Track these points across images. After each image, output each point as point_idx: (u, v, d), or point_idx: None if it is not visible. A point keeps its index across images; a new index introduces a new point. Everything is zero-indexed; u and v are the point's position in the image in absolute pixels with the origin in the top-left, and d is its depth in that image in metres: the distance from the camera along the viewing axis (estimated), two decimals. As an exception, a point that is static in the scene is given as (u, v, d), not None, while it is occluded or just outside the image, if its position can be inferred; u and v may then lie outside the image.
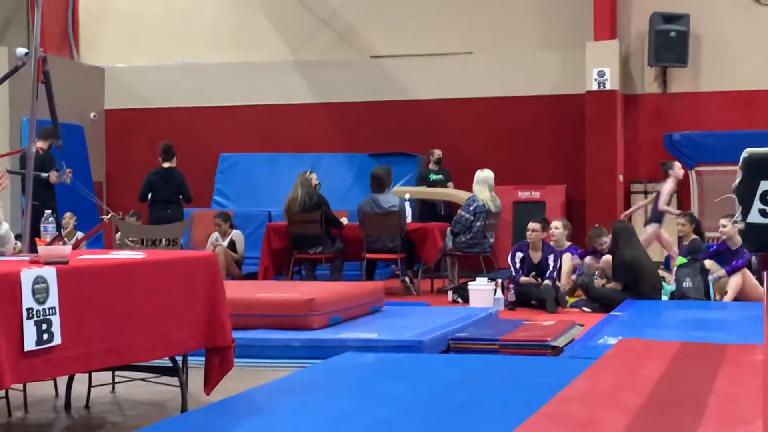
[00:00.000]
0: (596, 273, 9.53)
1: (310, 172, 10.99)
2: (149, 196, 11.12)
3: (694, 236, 9.92)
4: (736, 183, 2.24)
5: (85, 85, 14.69)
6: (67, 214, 11.37)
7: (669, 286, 9.33)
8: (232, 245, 11.47)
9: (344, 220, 11.00)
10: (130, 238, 9.33)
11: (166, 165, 11.09)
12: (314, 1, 14.62)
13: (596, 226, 10.43)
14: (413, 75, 14.22)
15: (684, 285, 9.08)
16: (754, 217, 2.10)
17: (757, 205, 2.07)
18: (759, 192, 2.07)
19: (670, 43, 12.94)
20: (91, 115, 14.84)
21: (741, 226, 2.22)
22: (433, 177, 13.23)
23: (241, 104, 14.75)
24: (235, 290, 6.80)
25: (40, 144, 9.98)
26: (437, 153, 13.31)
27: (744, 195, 2.18)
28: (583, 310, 9.04)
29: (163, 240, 9.41)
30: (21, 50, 10.40)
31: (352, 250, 10.74)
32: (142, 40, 15.23)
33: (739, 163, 2.25)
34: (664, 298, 9.15)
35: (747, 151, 2.22)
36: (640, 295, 8.84)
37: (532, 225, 9.58)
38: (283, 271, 10.76)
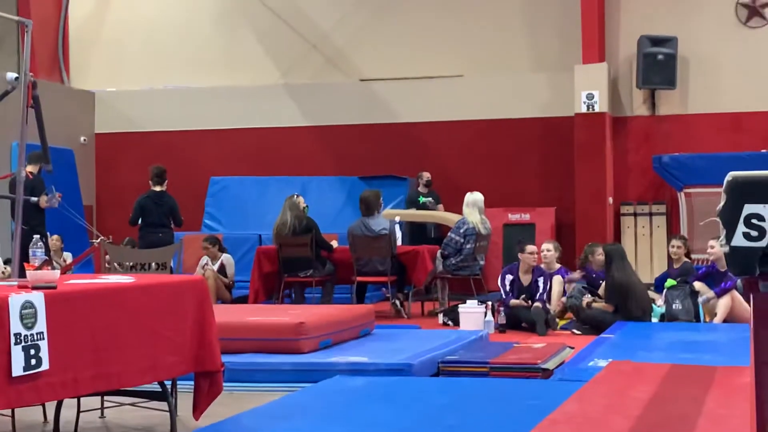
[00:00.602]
0: (583, 290, 9.50)
1: (297, 196, 11.01)
2: (140, 220, 11.08)
3: (685, 259, 9.94)
4: (720, 206, 2.25)
5: (75, 109, 14.69)
6: (54, 237, 11.32)
7: (659, 308, 9.34)
8: (222, 269, 11.45)
9: (334, 243, 11.00)
10: (119, 262, 9.31)
11: (157, 189, 11.05)
12: (304, 25, 14.68)
13: (590, 243, 10.48)
14: (403, 98, 14.27)
15: (674, 307, 9.09)
16: (739, 240, 2.11)
17: (741, 228, 2.08)
18: (743, 215, 2.08)
19: (658, 65, 13.02)
20: (81, 139, 14.84)
21: (726, 249, 2.23)
22: (422, 200, 13.24)
23: (232, 127, 14.76)
24: (225, 314, 6.79)
25: (30, 168, 9.97)
26: (426, 176, 13.33)
27: (728, 218, 2.19)
28: (574, 332, 9.04)
29: (153, 264, 9.38)
30: (11, 74, 10.37)
31: (342, 273, 10.75)
32: (131, 65, 15.25)
33: (723, 186, 2.27)
34: (654, 320, 9.16)
35: (731, 174, 2.23)
36: (630, 317, 8.86)
37: (545, 245, 9.64)
38: (273, 294, 10.75)
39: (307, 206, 11.05)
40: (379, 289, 11.86)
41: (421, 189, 13.32)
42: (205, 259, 11.58)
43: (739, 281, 8.93)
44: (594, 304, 9.19)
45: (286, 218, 10.63)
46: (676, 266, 9.91)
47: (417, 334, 8.22)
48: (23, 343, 3.63)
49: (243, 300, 11.07)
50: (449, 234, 10.84)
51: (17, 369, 3.60)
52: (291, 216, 10.62)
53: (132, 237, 12.14)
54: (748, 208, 2.04)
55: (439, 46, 14.23)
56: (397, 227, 10.99)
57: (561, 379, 5.88)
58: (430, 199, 13.15)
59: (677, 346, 7.17)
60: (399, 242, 10.90)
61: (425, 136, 14.14)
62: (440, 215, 12.78)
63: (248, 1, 14.85)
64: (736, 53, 13.23)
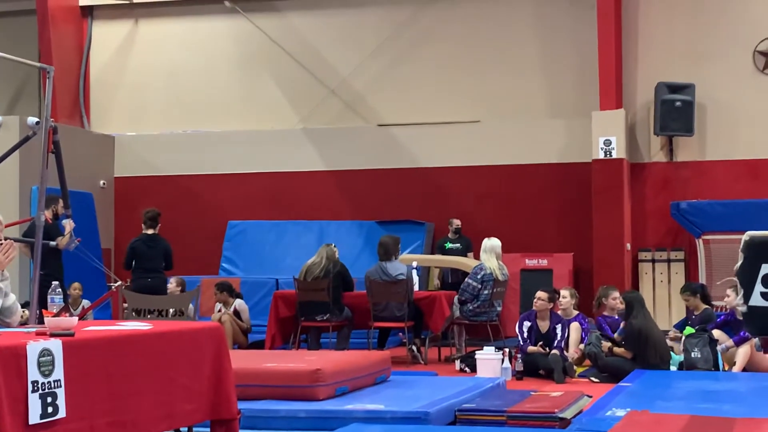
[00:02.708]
0: (601, 337, 9.43)
1: (334, 246, 10.98)
2: (133, 263, 10.99)
3: (705, 306, 9.87)
4: (737, 266, 2.26)
5: (95, 153, 14.81)
6: (74, 285, 11.31)
7: (677, 356, 9.27)
8: (236, 315, 11.42)
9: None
10: (136, 309, 9.32)
11: (149, 232, 10.96)
12: (323, 70, 14.80)
13: (605, 286, 10.43)
14: (420, 143, 14.33)
15: (692, 355, 9.01)
16: (756, 300, 2.11)
17: (759, 288, 2.09)
18: (761, 275, 2.08)
19: (676, 112, 13.03)
20: (101, 182, 14.94)
21: (743, 309, 2.23)
22: (449, 245, 13.24)
23: (250, 172, 14.84)
24: (241, 360, 6.78)
25: (49, 213, 10.04)
26: (456, 222, 13.34)
27: (746, 278, 2.19)
28: (592, 380, 8.97)
29: (170, 310, 9.39)
30: (32, 119, 10.51)
31: (359, 318, 10.72)
32: (151, 109, 15.39)
33: (741, 246, 2.27)
34: (673, 368, 9.09)
35: (748, 234, 2.24)
36: (649, 365, 8.78)
37: (539, 294, 9.56)
38: (290, 339, 10.73)
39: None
40: (395, 335, 11.82)
41: (450, 235, 13.34)
42: (219, 305, 11.57)
43: (756, 339, 8.86)
44: (614, 350, 9.12)
45: (321, 260, 10.63)
46: (696, 313, 9.84)
47: (434, 381, 8.17)
48: (40, 391, 3.64)
49: (259, 345, 11.05)
50: (467, 279, 10.82)
51: (34, 417, 3.61)
52: (326, 259, 10.62)
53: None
54: (766, 268, 2.05)
55: (456, 91, 14.31)
56: (414, 272, 10.98)
57: (579, 429, 5.82)
58: (458, 245, 13.16)
59: (696, 396, 7.10)
60: (416, 287, 10.88)
61: (443, 181, 14.17)
62: (457, 260, 12.77)
63: (268, 47, 14.99)
64: (754, 100, 13.24)
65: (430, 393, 6.89)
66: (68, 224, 9.34)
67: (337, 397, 6.70)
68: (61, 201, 11.09)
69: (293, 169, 14.68)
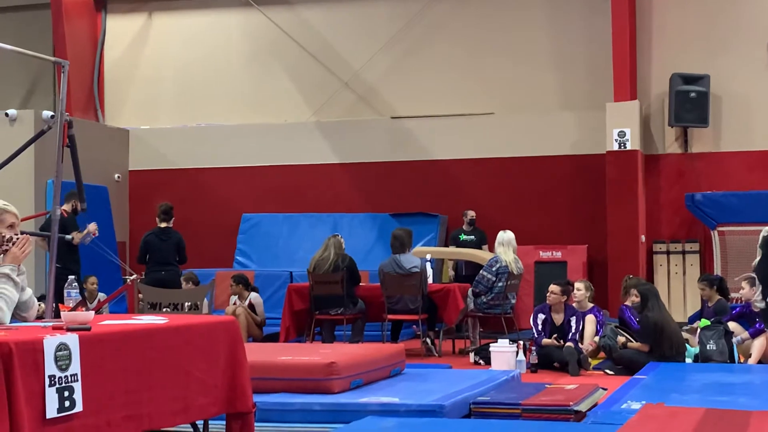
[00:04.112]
0: (616, 329, 9.42)
1: (340, 236, 10.98)
2: (147, 257, 11.02)
3: (718, 297, 9.84)
4: (756, 261, 2.25)
5: (110, 146, 14.86)
6: (91, 279, 11.34)
7: (692, 349, 9.25)
8: (251, 308, 11.45)
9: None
10: (152, 303, 9.35)
11: (162, 225, 10.97)
12: (336, 63, 14.79)
13: (630, 276, 10.41)
14: (434, 135, 14.31)
15: (708, 347, 8.99)
16: (774, 295, 2.10)
17: (777, 283, 2.07)
18: (779, 270, 2.07)
19: (690, 103, 12.98)
20: (116, 176, 14.99)
21: (761, 305, 2.22)
22: (463, 237, 13.23)
23: (264, 165, 14.87)
24: (256, 353, 6.79)
25: (65, 207, 10.09)
26: (470, 214, 13.32)
27: (764, 274, 2.18)
28: (606, 372, 8.96)
29: (186, 304, 9.41)
30: (47, 113, 10.57)
31: (372, 311, 10.73)
32: (165, 103, 15.42)
33: (759, 241, 2.26)
34: (688, 360, 9.07)
35: (766, 230, 2.22)
36: (663, 357, 8.77)
37: (552, 287, 9.54)
38: (304, 332, 10.75)
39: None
40: (409, 327, 11.83)
41: (465, 227, 13.32)
42: (234, 297, 11.61)
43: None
44: (629, 344, 9.10)
45: (329, 255, 10.61)
46: (710, 305, 9.82)
47: (448, 374, 8.18)
48: (57, 385, 3.66)
49: (274, 337, 11.08)
50: (481, 272, 10.81)
51: (51, 411, 3.62)
52: (334, 253, 10.61)
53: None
54: (784, 263, 2.04)
55: (470, 83, 14.28)
56: (428, 265, 10.98)
57: (594, 422, 5.82)
58: (472, 237, 13.14)
59: (711, 388, 7.08)
60: (430, 280, 10.88)
61: (456, 174, 14.15)
62: (472, 253, 12.76)
63: (280, 40, 15.00)
64: (769, 91, 13.18)
65: (444, 386, 6.89)
66: (93, 226, 9.38)
67: (351, 390, 6.70)
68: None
69: (306, 162, 14.69)
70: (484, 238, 13.18)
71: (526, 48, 14.12)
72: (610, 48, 13.27)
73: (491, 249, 12.03)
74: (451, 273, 13.27)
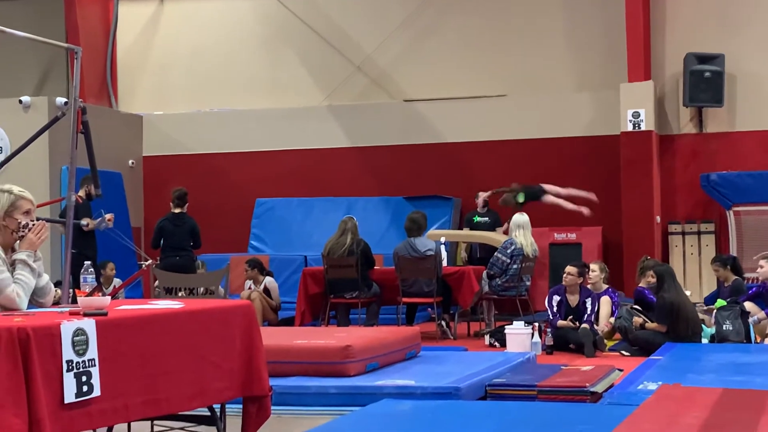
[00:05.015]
0: (631, 310, 9.40)
1: (354, 219, 10.96)
2: (161, 242, 11.05)
3: (734, 277, 9.81)
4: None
5: (124, 132, 14.88)
6: (109, 265, 11.38)
7: (709, 329, 9.23)
8: (266, 292, 11.48)
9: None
10: (167, 287, 9.38)
11: (177, 211, 11.01)
12: (348, 47, 14.76)
13: (647, 257, 10.38)
14: (447, 118, 14.28)
15: (724, 328, 8.97)
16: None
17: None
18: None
19: (705, 83, 12.91)
20: (130, 162, 15.02)
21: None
22: (477, 219, 13.21)
23: (277, 149, 14.87)
24: (272, 337, 6.82)
25: (80, 192, 10.12)
26: (482, 195, 13.30)
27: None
28: (622, 353, 8.95)
29: (201, 288, 9.44)
30: (60, 100, 10.58)
31: (387, 294, 10.74)
32: (178, 88, 15.43)
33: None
34: (704, 340, 9.05)
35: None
36: (680, 338, 8.75)
37: (569, 268, 9.52)
38: (320, 315, 10.77)
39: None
40: (424, 310, 11.84)
41: (479, 209, 13.30)
42: (248, 283, 11.63)
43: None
44: (646, 325, 9.08)
45: (345, 240, 10.60)
46: (726, 285, 9.79)
47: (463, 357, 8.19)
48: (75, 370, 3.67)
49: (289, 321, 11.11)
50: (496, 254, 10.80)
51: (69, 396, 3.64)
52: (350, 238, 10.60)
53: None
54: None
55: (482, 66, 14.23)
56: (442, 248, 10.97)
57: (610, 402, 5.82)
58: (486, 218, 13.10)
59: (728, 368, 7.07)
60: (444, 263, 10.88)
61: (469, 156, 14.12)
62: (486, 235, 12.74)
63: (292, 24, 14.97)
64: (784, 70, 13.09)
65: (460, 368, 6.90)
66: (109, 216, 9.40)
67: (367, 373, 6.73)
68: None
69: (319, 146, 14.69)
70: (498, 220, 13.15)
71: (539, 29, 14.06)
72: (624, 28, 13.19)
73: (505, 231, 12.00)
74: (464, 255, 13.26)
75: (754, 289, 9.55)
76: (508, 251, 10.61)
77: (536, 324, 9.11)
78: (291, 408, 6.06)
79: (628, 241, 12.86)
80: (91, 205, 10.26)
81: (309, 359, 6.68)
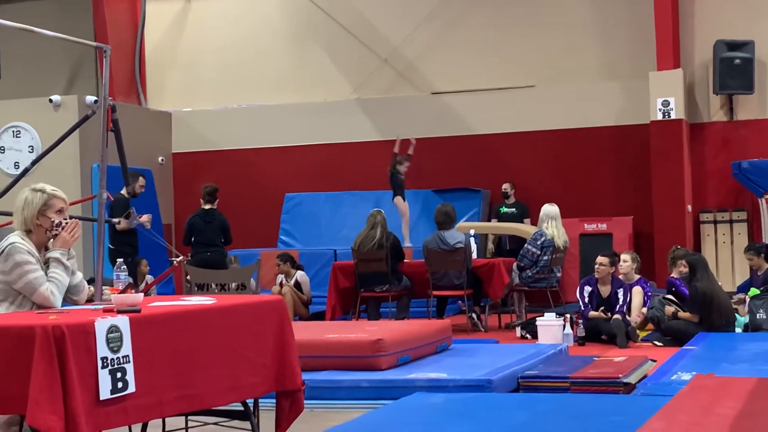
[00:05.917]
0: (664, 300, 9.34)
1: (382, 212, 10.96)
2: (192, 239, 11.09)
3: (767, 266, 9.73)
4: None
5: (153, 130, 14.97)
6: (144, 261, 11.45)
7: (742, 318, 9.16)
8: (297, 287, 11.51)
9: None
10: (199, 284, 9.42)
11: (207, 207, 11.05)
12: (375, 40, 14.75)
13: (677, 246, 10.32)
14: (475, 110, 14.24)
15: (758, 316, 8.90)
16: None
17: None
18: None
19: (735, 70, 12.78)
20: (159, 159, 15.10)
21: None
22: (504, 210, 13.17)
23: (305, 144, 14.90)
24: (304, 331, 6.84)
25: (130, 189, 10.13)
26: (505, 186, 13.28)
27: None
28: (655, 344, 8.90)
29: (233, 284, 9.47)
30: (90, 98, 10.63)
31: (417, 287, 10.74)
32: (206, 85, 15.49)
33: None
34: (738, 330, 8.98)
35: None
36: (713, 327, 8.69)
37: (600, 259, 9.47)
38: (350, 309, 10.79)
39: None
40: (455, 303, 11.83)
41: (508, 201, 13.26)
42: (280, 277, 11.66)
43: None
44: (679, 315, 9.02)
45: (375, 234, 10.61)
46: (759, 273, 9.70)
47: (495, 349, 8.18)
48: (110, 367, 3.70)
49: (320, 316, 11.14)
50: (526, 246, 10.77)
51: (105, 392, 3.67)
52: (380, 232, 10.61)
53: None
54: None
55: (510, 57, 14.18)
56: (471, 240, 10.95)
57: (644, 393, 5.79)
58: (513, 209, 13.07)
59: (762, 358, 7.01)
60: (474, 255, 10.86)
61: (498, 148, 14.08)
62: (516, 227, 12.71)
63: (319, 18, 14.98)
64: (816, 55, 12.94)
65: (492, 360, 6.89)
66: (146, 217, 9.44)
67: (399, 367, 6.73)
68: (140, 178, 11.23)
69: (347, 140, 14.70)
70: (526, 212, 13.12)
71: (566, 18, 13.98)
72: (653, 16, 13.09)
73: (533, 222, 11.96)
74: (491, 247, 13.23)
75: (787, 277, 9.46)
76: (538, 243, 10.57)
77: (568, 315, 9.07)
78: (324, 402, 6.08)
79: (659, 231, 12.78)
80: (131, 202, 10.31)
81: (341, 353, 6.70)
